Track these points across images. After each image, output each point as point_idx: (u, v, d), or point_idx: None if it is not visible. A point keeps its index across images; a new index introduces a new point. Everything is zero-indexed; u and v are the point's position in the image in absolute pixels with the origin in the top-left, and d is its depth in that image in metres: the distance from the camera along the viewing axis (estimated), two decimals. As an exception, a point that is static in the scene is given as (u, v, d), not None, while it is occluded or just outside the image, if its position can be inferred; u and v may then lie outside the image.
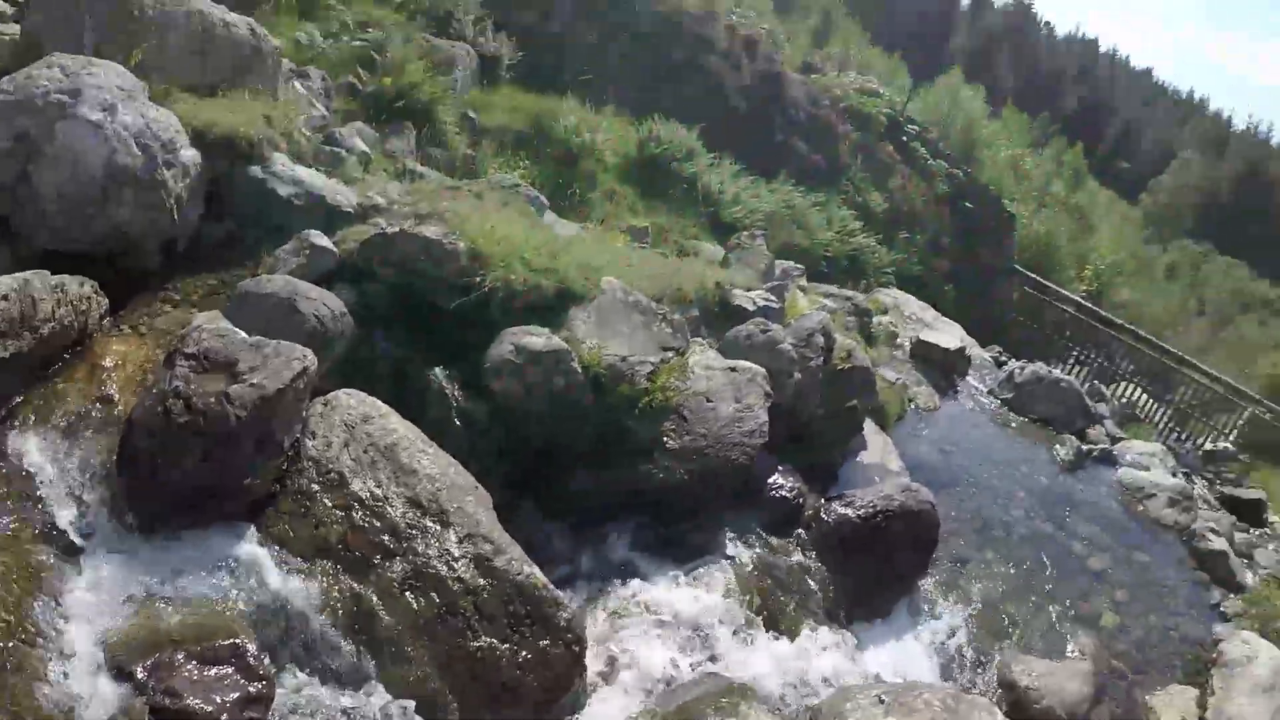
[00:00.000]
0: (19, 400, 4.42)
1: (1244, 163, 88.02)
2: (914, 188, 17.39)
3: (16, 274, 4.52)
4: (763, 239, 9.87)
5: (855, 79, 20.99)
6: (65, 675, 3.50)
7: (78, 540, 4.00)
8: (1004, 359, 13.46)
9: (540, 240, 6.27)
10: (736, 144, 14.19)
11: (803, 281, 9.64)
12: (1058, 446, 10.35)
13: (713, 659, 5.31)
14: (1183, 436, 17.48)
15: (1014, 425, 10.63)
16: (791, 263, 9.99)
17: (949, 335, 11.81)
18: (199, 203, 5.88)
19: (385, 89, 9.74)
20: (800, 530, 6.39)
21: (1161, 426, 17.44)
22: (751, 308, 7.32)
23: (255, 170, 6.11)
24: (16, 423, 4.33)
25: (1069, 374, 17.19)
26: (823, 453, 7.16)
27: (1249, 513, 12.46)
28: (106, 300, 5.12)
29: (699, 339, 6.80)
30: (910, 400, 9.57)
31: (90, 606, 3.77)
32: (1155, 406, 17.93)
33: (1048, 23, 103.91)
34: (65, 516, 4.06)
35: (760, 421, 6.08)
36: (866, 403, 7.79)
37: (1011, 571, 7.67)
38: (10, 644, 3.41)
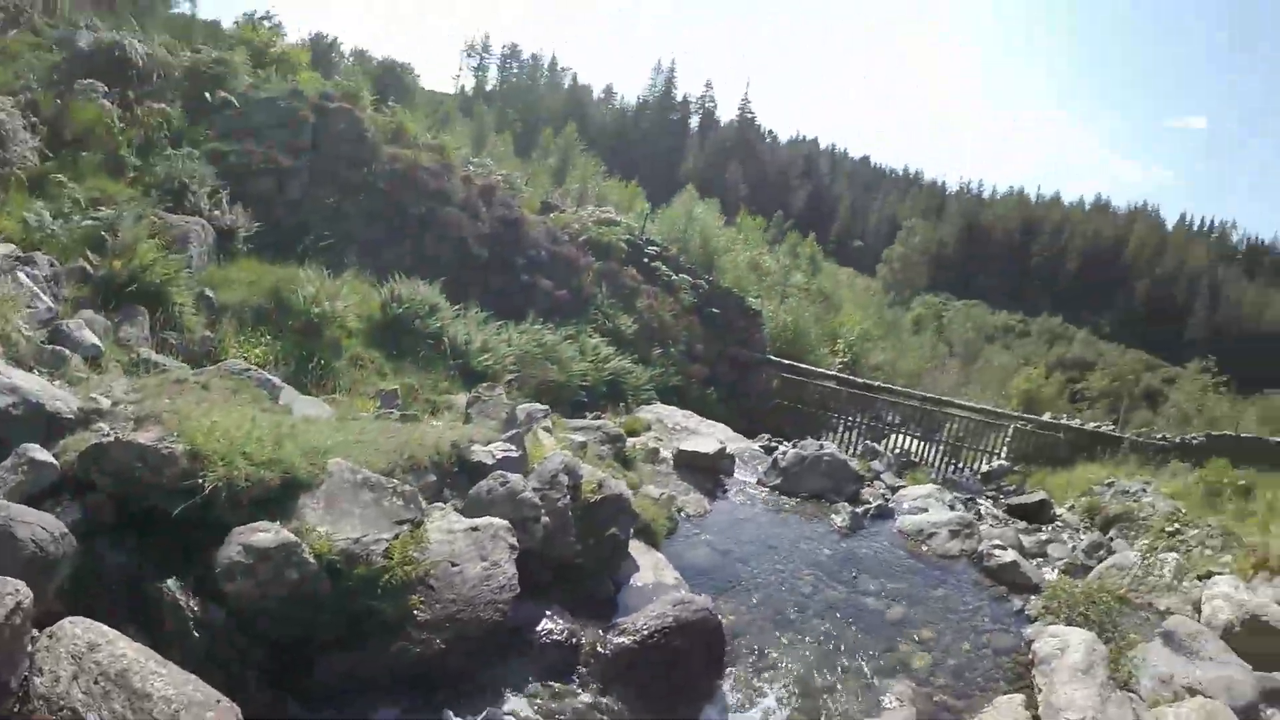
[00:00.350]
0: None
1: (962, 219, 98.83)
2: (661, 304, 18.20)
3: None
4: (501, 389, 9.83)
5: (593, 211, 22.01)
6: None
7: None
8: (774, 444, 13.92)
9: (264, 430, 6.01)
10: (481, 291, 14.51)
11: (547, 422, 9.49)
12: (833, 516, 10.66)
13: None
14: (959, 466, 19.02)
15: (788, 507, 10.83)
16: (536, 405, 9.88)
17: (709, 439, 12.01)
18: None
19: (117, 272, 9.32)
20: (582, 669, 6.22)
21: (938, 464, 18.83)
22: (491, 461, 7.23)
23: (-37, 380, 5.66)
24: None
25: (841, 442, 18.38)
26: (592, 586, 7.04)
27: (1037, 514, 13.69)
28: None
29: (439, 504, 6.65)
30: (679, 510, 9.59)
31: None
32: (928, 448, 19.34)
33: (771, 131, 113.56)
34: None
35: (509, 575, 5.98)
36: (627, 527, 7.69)
37: (814, 646, 7.62)
38: None
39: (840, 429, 19.68)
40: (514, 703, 5.69)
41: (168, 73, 14.99)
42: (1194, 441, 17.96)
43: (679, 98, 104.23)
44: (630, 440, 10.99)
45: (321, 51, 31.91)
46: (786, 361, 20.95)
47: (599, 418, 11.90)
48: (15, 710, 3.97)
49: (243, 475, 5.46)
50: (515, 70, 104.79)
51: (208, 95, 14.75)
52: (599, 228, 19.62)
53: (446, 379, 11.61)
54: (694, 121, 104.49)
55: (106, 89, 13.57)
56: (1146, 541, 12.23)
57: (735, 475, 11.60)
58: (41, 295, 8.16)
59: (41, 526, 4.75)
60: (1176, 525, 12.69)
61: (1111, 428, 20.77)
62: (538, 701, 5.82)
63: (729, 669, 7.06)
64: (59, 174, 11.33)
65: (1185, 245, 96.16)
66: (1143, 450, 17.81)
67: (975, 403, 23.88)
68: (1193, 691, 6.90)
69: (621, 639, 6.39)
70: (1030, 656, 7.57)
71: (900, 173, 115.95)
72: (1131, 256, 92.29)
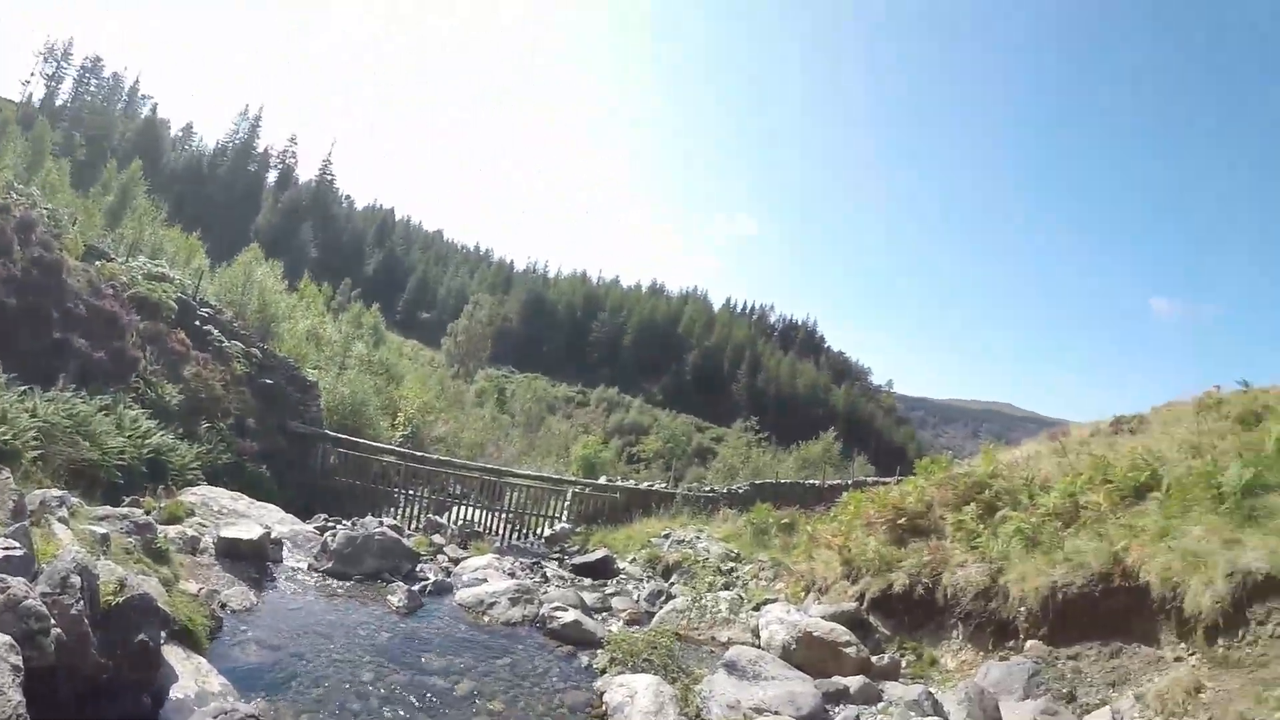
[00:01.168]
0: None
1: (527, 294, 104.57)
2: (211, 372, 16.92)
3: None
4: (8, 473, 8.43)
5: (145, 264, 20.15)
6: None
7: None
8: (331, 524, 13.48)
9: None
10: (6, 348, 12.49)
11: (64, 512, 8.30)
12: (390, 596, 10.55)
13: None
14: (524, 533, 19.81)
15: (342, 592, 10.53)
16: (51, 492, 8.69)
17: (254, 524, 11.36)
18: None
19: None
20: None
21: (503, 533, 19.43)
22: None
23: None
24: None
25: (404, 517, 18.33)
26: (126, 704, 6.18)
27: (601, 570, 14.76)
28: None
29: None
30: (223, 606, 8.91)
31: None
32: (493, 517, 19.90)
33: (348, 196, 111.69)
34: None
35: (14, 704, 4.98)
36: (157, 632, 6.81)
37: (384, 735, 7.47)
38: None
39: (403, 504, 19.61)
40: None
41: None
42: (740, 490, 20.71)
43: (260, 148, 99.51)
44: (170, 528, 10.12)
45: None
46: (345, 436, 20.57)
47: (137, 503, 10.77)
48: None
49: None
50: (92, 87, 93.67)
51: None
52: (149, 283, 18.13)
53: (-52, 455, 9.83)
54: (271, 176, 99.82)
55: None
56: (708, 581, 13.62)
57: (285, 561, 11.13)
58: None
59: None
60: (731, 564, 14.40)
61: (665, 485, 22.97)
62: None
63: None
64: None
65: (730, 323, 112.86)
66: (695, 502, 20.06)
67: (537, 470, 25.07)
68: (760, 710, 7.66)
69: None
70: (603, 708, 7.95)
71: (472, 249, 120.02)
72: (683, 333, 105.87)
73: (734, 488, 21.28)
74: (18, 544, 6.28)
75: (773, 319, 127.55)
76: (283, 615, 9.42)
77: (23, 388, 11.75)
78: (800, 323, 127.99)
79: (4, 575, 5.77)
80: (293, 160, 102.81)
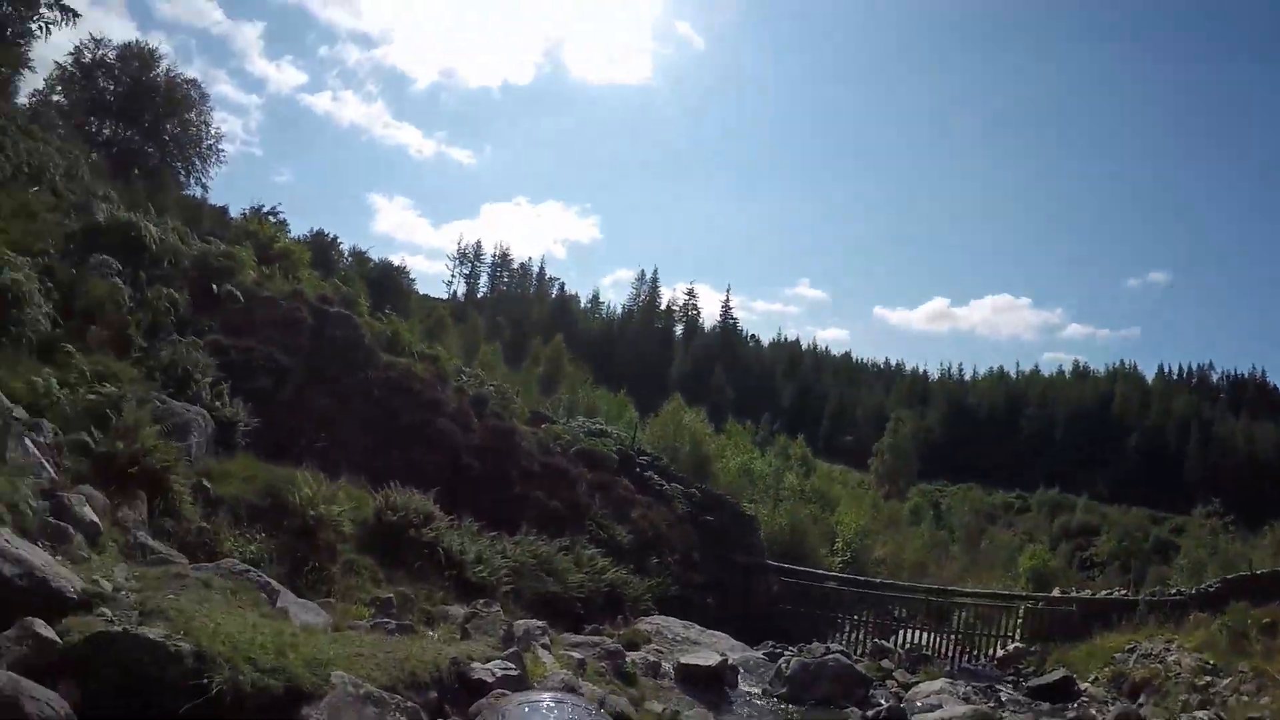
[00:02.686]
0: None
1: (947, 403, 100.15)
2: (655, 513, 18.14)
3: None
4: (498, 606, 9.69)
5: (584, 422, 22.48)
6: None
7: None
8: (779, 650, 13.57)
9: (268, 636, 6.06)
10: (473, 502, 14.31)
11: (545, 639, 9.35)
12: None
13: None
14: (974, 654, 18.42)
15: (797, 717, 10.49)
16: (534, 622, 9.83)
17: (710, 651, 11.71)
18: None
19: (118, 451, 9.27)
20: None
21: (952, 655, 18.25)
22: (490, 679, 7.11)
23: (-22, 545, 5.76)
24: None
25: (849, 642, 17.89)
26: None
27: (1061, 692, 13.41)
28: None
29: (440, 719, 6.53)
30: None
31: None
32: (939, 639, 18.81)
33: (753, 335, 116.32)
34: None
35: None
36: None
37: None
38: None
39: (847, 628, 19.20)
40: None
41: (178, 260, 15.49)
42: (1211, 589, 17.34)
43: (663, 305, 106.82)
44: (630, 654, 10.73)
45: (321, 249, 33.24)
46: (786, 565, 20.78)
47: (598, 630, 11.67)
48: None
49: (248, 681, 5.45)
50: (505, 278, 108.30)
51: (214, 287, 15.23)
52: (590, 439, 19.98)
53: (441, 589, 11.40)
54: (678, 329, 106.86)
55: (120, 267, 13.91)
56: (1180, 700, 11.97)
57: (740, 686, 11.26)
58: (45, 464, 8.24)
59: (49, 704, 4.82)
60: (1207, 679, 12.32)
61: (1125, 591, 20.39)
62: None
63: None
64: (67, 343, 11.45)
65: (1168, 394, 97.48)
66: (1160, 608, 17.12)
67: (983, 587, 23.49)
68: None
69: None
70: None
71: (882, 365, 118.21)
72: (1118, 414, 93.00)
73: (1202, 587, 18.04)
74: (513, 665, 7.37)
75: (1214, 378, 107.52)
76: (738, 738, 9.54)
77: (493, 534, 13.44)
78: (1246, 376, 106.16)
79: (505, 690, 6.91)
80: (694, 311, 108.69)
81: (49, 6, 20.29)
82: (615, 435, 21.60)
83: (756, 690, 11.27)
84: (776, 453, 44.24)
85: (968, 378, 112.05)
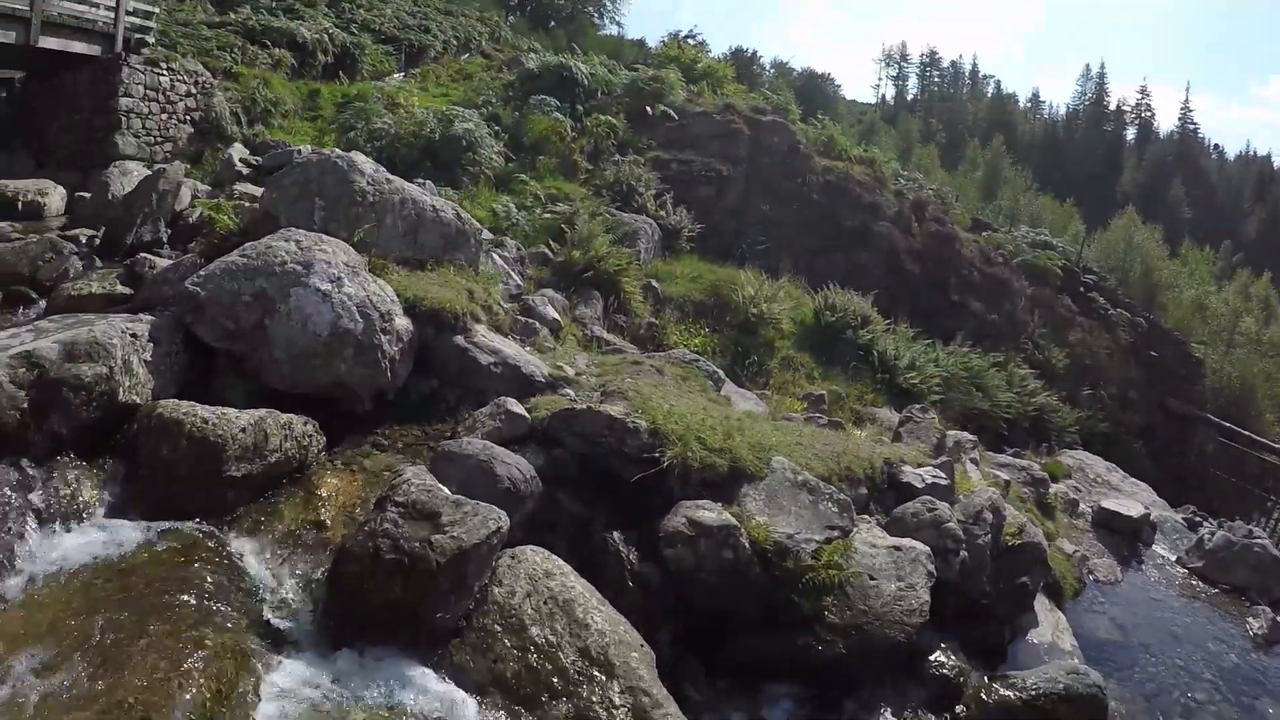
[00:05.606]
0: (241, 511, 5.33)
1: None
2: (1095, 340, 16.98)
3: (254, 410, 5.64)
4: (934, 413, 9.57)
5: (1026, 232, 21.06)
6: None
7: (281, 634, 4.56)
8: (1198, 519, 12.12)
9: (716, 420, 6.63)
10: (910, 307, 14.33)
11: (975, 454, 9.18)
12: (1251, 619, 9.05)
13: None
14: None
15: (1204, 597, 9.44)
16: (964, 434, 9.69)
17: (1133, 501, 10.85)
18: (408, 363, 6.76)
19: (574, 260, 10.83)
20: (960, 707, 5.98)
21: None
22: (920, 485, 7.21)
23: (459, 339, 7.04)
24: (238, 530, 5.20)
25: (1275, 532, 15.45)
26: (990, 630, 6.76)
27: None
28: (324, 438, 6.02)
29: (865, 515, 6.78)
30: (1089, 573, 8.82)
31: (284, 691, 4.19)
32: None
33: (1216, 145, 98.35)
34: (273, 614, 4.66)
35: (922, 601, 5.95)
36: (1038, 579, 7.31)
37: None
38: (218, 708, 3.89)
39: (1276, 515, 16.63)
40: (889, 721, 5.76)
41: (610, 89, 17.23)
42: None
43: (1111, 106, 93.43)
44: (1052, 486, 10.33)
45: (744, 65, 33.35)
46: (1226, 424, 18.37)
47: (1019, 455, 11.31)
48: (471, 609, 4.76)
49: (696, 457, 6.03)
50: (935, 79, 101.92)
51: (648, 109, 16.52)
52: (1033, 250, 18.88)
53: (872, 391, 11.72)
54: (1129, 134, 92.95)
55: (558, 103, 15.89)
56: None
57: (1154, 547, 10.35)
58: (511, 274, 9.75)
59: (516, 467, 5.68)
60: None
61: None
62: (912, 728, 5.82)
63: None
64: (520, 174, 13.53)
65: None
66: None
67: None
68: None
69: (1007, 692, 6.07)
70: None
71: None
72: None
73: None
74: (943, 475, 7.42)
75: None
76: (1140, 602, 8.97)
77: (927, 341, 13.47)
78: None
79: (932, 498, 6.96)
80: (1148, 113, 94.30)
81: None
82: (1060, 249, 20.06)
83: (1170, 557, 10.29)
84: (1236, 290, 38.15)
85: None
